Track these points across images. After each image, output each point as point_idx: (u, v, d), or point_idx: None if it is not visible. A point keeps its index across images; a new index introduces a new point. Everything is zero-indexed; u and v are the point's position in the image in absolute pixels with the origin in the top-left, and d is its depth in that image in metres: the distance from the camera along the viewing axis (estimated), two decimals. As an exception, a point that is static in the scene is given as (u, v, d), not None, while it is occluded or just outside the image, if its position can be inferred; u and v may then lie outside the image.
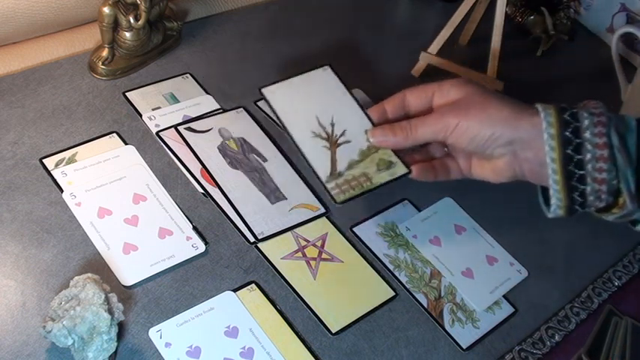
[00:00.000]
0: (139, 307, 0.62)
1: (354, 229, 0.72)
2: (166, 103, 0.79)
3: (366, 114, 0.68)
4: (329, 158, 0.66)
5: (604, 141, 0.59)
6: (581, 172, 0.60)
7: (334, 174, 0.65)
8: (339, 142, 0.67)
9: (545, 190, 0.63)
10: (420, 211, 0.75)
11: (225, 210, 0.70)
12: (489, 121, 0.61)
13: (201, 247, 0.67)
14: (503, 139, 0.61)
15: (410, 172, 0.65)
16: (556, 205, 0.61)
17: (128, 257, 0.65)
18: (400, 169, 0.65)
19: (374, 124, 0.67)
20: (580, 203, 0.61)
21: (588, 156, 0.59)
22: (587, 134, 0.59)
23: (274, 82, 0.70)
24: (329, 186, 0.64)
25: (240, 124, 0.78)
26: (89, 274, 0.58)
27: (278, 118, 0.67)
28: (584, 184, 0.60)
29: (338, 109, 0.69)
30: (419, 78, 0.90)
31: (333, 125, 0.68)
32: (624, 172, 0.59)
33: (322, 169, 0.65)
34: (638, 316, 0.71)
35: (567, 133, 0.60)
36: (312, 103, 0.69)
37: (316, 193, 0.74)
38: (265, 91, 0.69)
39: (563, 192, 0.61)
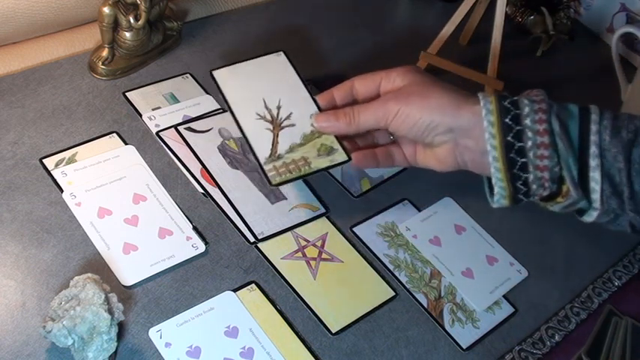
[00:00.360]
0: (139, 307, 0.62)
1: (354, 229, 0.72)
2: (166, 103, 0.79)
3: (314, 99, 0.68)
4: (270, 140, 0.66)
5: (544, 127, 0.59)
6: (523, 160, 0.60)
7: (274, 156, 0.65)
8: (282, 125, 0.67)
9: (490, 180, 0.63)
10: (420, 211, 0.75)
11: (225, 210, 0.70)
12: (429, 109, 0.61)
13: (201, 247, 0.67)
14: (443, 127, 0.61)
15: (349, 159, 0.65)
16: (500, 195, 0.61)
17: (128, 257, 0.65)
18: (340, 156, 0.65)
19: (320, 110, 0.68)
20: (524, 192, 0.61)
21: (529, 143, 0.59)
22: (527, 121, 0.59)
23: (226, 65, 0.70)
24: (266, 167, 0.64)
25: (240, 124, 0.78)
26: (89, 274, 0.58)
27: (225, 99, 0.68)
28: (527, 172, 0.60)
29: (286, 93, 0.69)
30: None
31: (279, 108, 0.68)
32: (566, 159, 0.59)
33: (262, 151, 0.65)
34: (638, 316, 0.71)
35: (507, 120, 0.59)
36: (261, 86, 0.70)
37: (316, 193, 0.74)
38: (216, 73, 0.70)
39: (505, 180, 0.60)
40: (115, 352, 0.57)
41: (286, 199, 0.72)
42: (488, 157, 0.61)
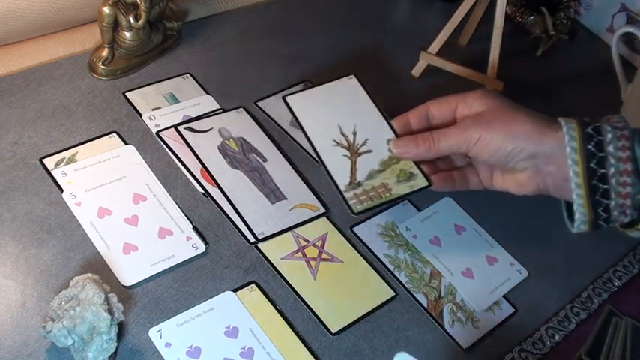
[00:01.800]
0: (139, 307, 0.62)
1: (354, 229, 0.72)
2: (166, 103, 0.79)
3: (390, 124, 0.68)
4: (349, 168, 0.65)
5: (627, 155, 0.59)
6: (605, 187, 0.59)
7: (353, 184, 0.64)
8: (360, 151, 0.66)
9: (569, 205, 0.63)
10: (420, 211, 0.75)
11: (225, 210, 0.70)
12: (512, 135, 0.61)
13: (201, 247, 0.67)
14: (526, 153, 0.61)
15: (430, 184, 0.65)
16: (580, 221, 0.61)
17: (128, 257, 0.65)
18: (421, 182, 0.65)
19: (397, 135, 0.67)
20: (604, 219, 0.60)
21: (612, 170, 0.59)
22: (610, 148, 0.59)
23: (298, 91, 0.70)
24: (347, 196, 0.64)
25: (240, 124, 0.78)
26: (89, 274, 0.58)
27: (300, 126, 0.67)
28: (608, 199, 0.59)
29: (361, 119, 0.69)
30: (418, 78, 0.89)
31: (355, 134, 0.67)
32: None
33: (341, 179, 0.65)
34: (638, 316, 0.70)
35: (590, 147, 0.59)
36: (335, 111, 0.69)
37: (316, 193, 0.74)
38: (289, 99, 0.69)
39: (587, 207, 0.60)
40: (115, 352, 0.57)
41: (286, 199, 0.72)
42: (571, 184, 0.60)
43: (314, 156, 0.66)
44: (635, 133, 0.60)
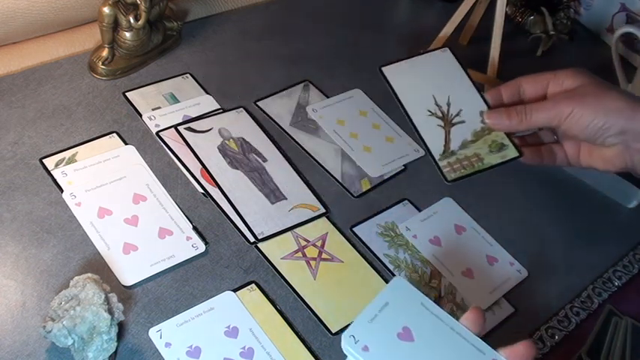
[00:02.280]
0: (139, 307, 0.62)
1: (354, 229, 0.72)
2: (166, 103, 0.79)
3: (482, 96, 0.70)
4: (443, 137, 0.68)
5: None
6: None
7: (447, 153, 0.67)
8: (453, 121, 0.69)
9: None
10: (420, 211, 0.75)
11: (225, 210, 0.70)
12: (604, 111, 0.62)
13: (201, 247, 0.67)
14: (616, 129, 0.62)
15: (521, 155, 0.67)
16: None
17: (128, 257, 0.65)
18: (512, 152, 0.67)
19: (489, 107, 0.69)
20: None
21: None
22: None
23: (393, 62, 0.72)
24: (441, 164, 0.66)
25: (240, 124, 0.78)
26: (89, 274, 0.58)
27: (396, 96, 0.69)
28: None
29: (454, 90, 0.71)
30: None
31: (449, 105, 0.70)
32: None
33: (435, 147, 0.67)
34: (638, 316, 0.70)
35: None
36: (430, 82, 0.71)
37: (316, 192, 0.74)
38: (385, 69, 0.71)
39: None
40: (115, 352, 0.57)
41: (286, 199, 0.72)
42: None
43: (410, 126, 0.68)
44: None
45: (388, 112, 0.83)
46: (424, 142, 0.67)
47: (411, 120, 0.69)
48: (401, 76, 0.72)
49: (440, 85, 0.71)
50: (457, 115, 0.69)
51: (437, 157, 0.67)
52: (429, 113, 0.69)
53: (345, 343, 0.47)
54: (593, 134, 0.64)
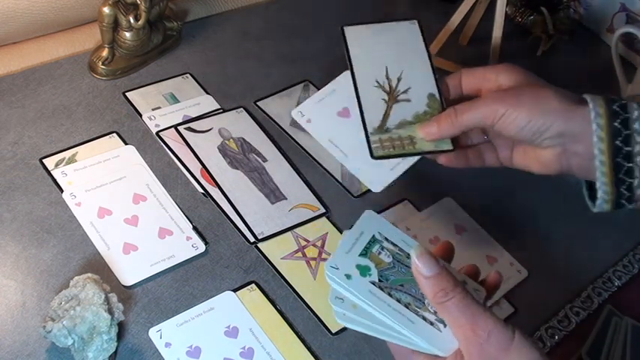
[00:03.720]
0: (139, 307, 0.62)
1: (354, 229, 0.72)
2: (166, 103, 0.79)
3: (436, 79, 0.67)
4: (383, 111, 0.65)
5: None
6: (629, 165, 0.58)
7: (382, 128, 0.64)
8: (399, 98, 0.65)
9: (591, 185, 0.62)
10: (420, 211, 0.75)
11: (225, 210, 0.70)
12: (540, 111, 0.60)
13: (201, 247, 0.67)
14: (554, 131, 0.60)
15: (454, 149, 0.64)
16: (602, 199, 0.60)
17: (128, 257, 0.65)
18: (446, 144, 0.64)
19: (439, 92, 0.66)
20: (627, 197, 0.60)
21: (637, 148, 0.58)
22: (636, 125, 0.58)
23: (358, 24, 0.69)
24: (372, 138, 0.63)
25: (240, 124, 0.78)
26: (89, 274, 0.58)
27: (349, 61, 0.67)
28: (632, 177, 0.59)
29: (410, 66, 0.67)
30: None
31: (399, 80, 0.66)
32: None
33: (372, 120, 0.64)
34: (638, 316, 0.70)
35: (616, 124, 0.58)
36: (387, 53, 0.68)
37: (316, 193, 0.74)
38: (347, 29, 0.69)
39: (610, 185, 0.59)
40: (115, 352, 0.57)
41: (286, 199, 0.72)
42: (595, 162, 0.59)
43: (353, 93, 0.66)
44: None
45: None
46: (362, 112, 0.64)
47: (356, 88, 0.66)
48: (361, 40, 0.69)
49: (397, 58, 0.68)
50: (404, 92, 0.66)
51: (370, 131, 0.63)
52: (376, 84, 0.66)
53: (329, 273, 0.52)
54: (530, 136, 0.60)
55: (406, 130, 0.64)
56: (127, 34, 0.79)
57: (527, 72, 0.64)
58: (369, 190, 0.76)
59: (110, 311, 0.56)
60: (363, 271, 0.53)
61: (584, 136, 0.59)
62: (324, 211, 0.73)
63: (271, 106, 0.82)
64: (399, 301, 0.52)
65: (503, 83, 0.63)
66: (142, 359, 0.59)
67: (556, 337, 0.68)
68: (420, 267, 0.52)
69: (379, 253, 0.55)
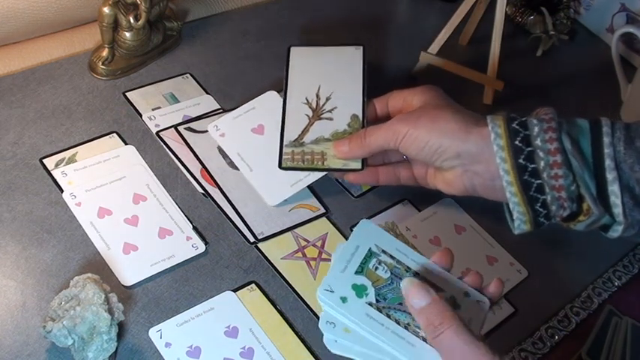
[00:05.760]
0: (139, 307, 0.62)
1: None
2: (166, 103, 0.79)
3: (363, 104, 0.69)
4: (303, 126, 0.68)
5: (555, 146, 0.58)
6: (538, 182, 0.58)
7: (297, 142, 0.67)
8: (322, 116, 0.68)
9: (509, 207, 0.61)
10: (420, 211, 0.75)
11: (225, 210, 0.70)
12: (437, 133, 0.60)
13: (201, 247, 0.67)
14: (451, 152, 0.60)
15: (362, 168, 0.66)
16: (520, 220, 0.60)
17: (128, 257, 0.65)
18: (354, 163, 0.66)
19: (364, 116, 0.68)
20: (544, 215, 0.59)
21: (542, 164, 0.58)
22: (537, 141, 0.58)
23: (306, 45, 0.74)
24: (285, 150, 0.66)
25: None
26: (89, 274, 0.58)
27: (286, 77, 0.70)
28: (544, 194, 0.58)
29: (342, 87, 0.70)
30: (419, 78, 0.89)
31: (327, 99, 0.69)
32: (582, 176, 0.58)
33: (290, 133, 0.67)
34: (638, 316, 0.70)
35: (517, 142, 0.58)
36: (324, 73, 0.71)
37: (316, 193, 0.74)
38: (293, 49, 0.73)
39: (523, 205, 0.59)
40: (115, 352, 0.57)
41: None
42: (502, 182, 0.59)
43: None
44: (562, 124, 0.59)
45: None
46: (283, 125, 0.67)
47: (285, 102, 0.69)
48: (302, 59, 0.72)
49: (331, 79, 0.71)
50: (329, 111, 0.68)
51: (285, 142, 0.66)
52: (305, 101, 0.69)
53: (324, 297, 0.51)
54: (430, 156, 0.62)
55: (320, 146, 0.67)
56: (127, 34, 0.79)
57: (440, 93, 0.65)
58: (369, 191, 0.76)
59: (110, 311, 0.56)
60: (360, 291, 0.51)
61: (483, 155, 0.60)
62: (324, 211, 0.73)
63: (271, 106, 0.82)
64: (397, 322, 0.50)
65: (415, 104, 0.65)
66: (142, 359, 0.59)
67: (556, 337, 0.68)
68: (411, 298, 0.51)
69: (376, 268, 0.53)
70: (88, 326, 0.55)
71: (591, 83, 0.97)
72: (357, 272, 0.52)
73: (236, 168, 0.73)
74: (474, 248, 0.73)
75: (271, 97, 0.73)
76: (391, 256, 0.54)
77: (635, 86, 0.91)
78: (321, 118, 0.68)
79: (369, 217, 0.73)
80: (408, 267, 0.53)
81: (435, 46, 0.88)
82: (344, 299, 0.50)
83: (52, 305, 0.57)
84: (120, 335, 0.58)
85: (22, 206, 0.67)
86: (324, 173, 0.67)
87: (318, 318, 0.64)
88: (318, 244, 0.70)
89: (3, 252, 0.63)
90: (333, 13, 0.97)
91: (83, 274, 0.58)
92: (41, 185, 0.69)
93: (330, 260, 0.68)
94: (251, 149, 0.70)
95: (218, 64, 0.85)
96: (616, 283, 0.73)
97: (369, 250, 0.54)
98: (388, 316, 0.50)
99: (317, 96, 0.69)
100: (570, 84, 0.96)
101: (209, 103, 0.80)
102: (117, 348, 0.57)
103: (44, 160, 0.71)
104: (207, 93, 0.81)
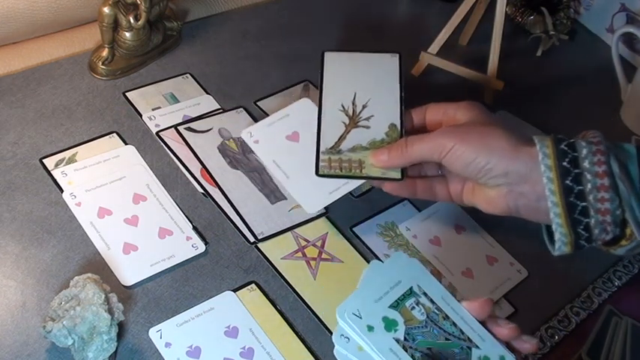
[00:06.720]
0: (139, 307, 0.62)
1: (354, 229, 0.72)
2: (166, 103, 0.79)
3: (401, 112, 0.68)
4: (339, 134, 0.66)
5: (604, 169, 0.57)
6: (583, 204, 0.58)
7: (334, 149, 0.65)
8: (359, 123, 0.67)
9: (548, 228, 0.61)
10: (420, 211, 0.75)
11: (225, 210, 0.70)
12: (486, 150, 0.60)
13: (201, 247, 0.67)
14: (499, 170, 0.60)
15: (402, 178, 0.64)
16: (561, 242, 0.59)
17: (128, 257, 0.65)
18: (394, 173, 0.64)
19: (402, 123, 0.67)
20: (586, 238, 0.59)
21: (589, 186, 0.57)
22: (585, 163, 0.57)
23: (341, 50, 0.72)
24: (322, 157, 0.65)
25: (240, 124, 0.78)
26: (89, 274, 0.58)
27: (321, 83, 0.69)
28: (588, 217, 0.58)
29: (379, 95, 0.69)
30: (418, 78, 0.89)
31: (364, 107, 0.68)
32: (628, 201, 0.57)
33: (326, 140, 0.66)
34: (638, 316, 0.70)
35: (565, 164, 0.58)
36: (360, 80, 0.70)
37: (316, 193, 0.74)
38: (327, 54, 0.72)
39: (566, 226, 0.59)
40: (115, 352, 0.57)
41: (286, 199, 0.72)
42: (547, 202, 0.59)
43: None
44: (610, 148, 0.58)
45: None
46: (319, 131, 0.66)
47: (320, 108, 0.68)
48: (338, 65, 0.71)
49: (367, 86, 0.70)
50: (366, 119, 0.67)
51: (322, 149, 0.65)
52: (341, 108, 0.68)
53: (350, 320, 0.48)
54: (476, 173, 0.61)
55: (357, 154, 0.65)
56: (127, 34, 0.79)
57: (485, 111, 0.64)
58: (369, 191, 0.76)
59: (110, 311, 0.56)
60: (390, 325, 0.49)
61: (530, 176, 0.59)
62: (324, 211, 0.73)
63: (271, 106, 0.82)
64: None
65: (460, 119, 0.64)
66: (142, 359, 0.59)
67: (556, 337, 0.68)
68: None
69: (412, 308, 0.51)
70: (88, 326, 0.55)
71: (591, 83, 0.97)
72: (391, 306, 0.50)
73: (236, 168, 0.74)
74: (474, 248, 0.73)
75: (305, 105, 0.72)
76: (432, 301, 0.52)
77: (635, 86, 0.91)
78: (357, 126, 0.67)
79: (369, 217, 0.73)
80: (446, 315, 0.51)
81: (435, 46, 0.88)
82: (370, 328, 0.48)
83: (52, 305, 0.57)
84: (120, 335, 0.58)
85: (22, 206, 0.67)
86: (363, 181, 0.66)
87: (318, 318, 0.64)
88: (318, 244, 0.70)
89: (3, 252, 0.63)
90: (332, 13, 0.97)
91: (83, 274, 0.58)
92: (41, 185, 0.69)
93: (330, 260, 0.69)
94: (286, 156, 0.69)
95: (218, 64, 0.85)
96: (616, 283, 0.73)
97: (411, 288, 0.52)
98: (413, 358, 0.48)
99: (353, 103, 0.68)
100: (570, 84, 0.96)
101: (209, 103, 0.80)
102: (117, 348, 0.57)
103: (44, 160, 0.71)
104: (207, 93, 0.81)
